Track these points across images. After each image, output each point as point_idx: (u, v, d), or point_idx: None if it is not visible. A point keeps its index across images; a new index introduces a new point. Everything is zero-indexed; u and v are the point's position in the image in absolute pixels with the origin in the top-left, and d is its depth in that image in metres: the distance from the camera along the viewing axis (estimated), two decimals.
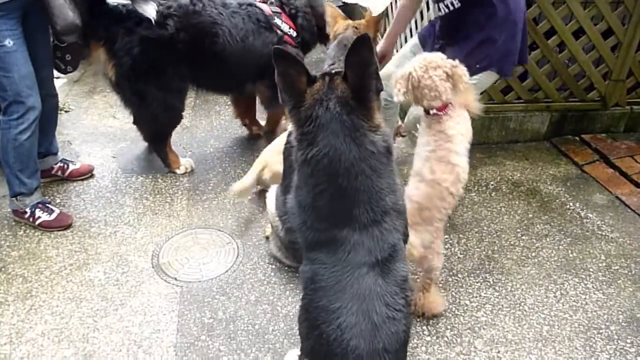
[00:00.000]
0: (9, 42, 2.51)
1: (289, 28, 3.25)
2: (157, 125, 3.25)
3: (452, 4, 2.45)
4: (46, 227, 2.85)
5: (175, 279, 2.58)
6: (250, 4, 3.18)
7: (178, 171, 3.34)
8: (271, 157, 2.82)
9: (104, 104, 4.07)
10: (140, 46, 2.90)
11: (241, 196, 2.90)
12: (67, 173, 3.23)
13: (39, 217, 2.85)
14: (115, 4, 2.94)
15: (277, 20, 3.20)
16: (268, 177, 2.85)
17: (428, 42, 2.68)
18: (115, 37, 2.89)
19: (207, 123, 3.96)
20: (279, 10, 3.24)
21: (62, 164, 3.22)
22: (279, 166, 2.56)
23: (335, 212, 1.50)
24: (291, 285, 2.54)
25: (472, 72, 2.42)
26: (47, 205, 2.91)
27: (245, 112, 3.73)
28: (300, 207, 1.57)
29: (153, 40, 2.91)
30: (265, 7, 3.20)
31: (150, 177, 3.30)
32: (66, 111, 3.94)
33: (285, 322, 2.35)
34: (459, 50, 2.41)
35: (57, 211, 2.90)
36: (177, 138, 3.68)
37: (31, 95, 2.65)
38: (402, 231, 1.56)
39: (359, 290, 1.44)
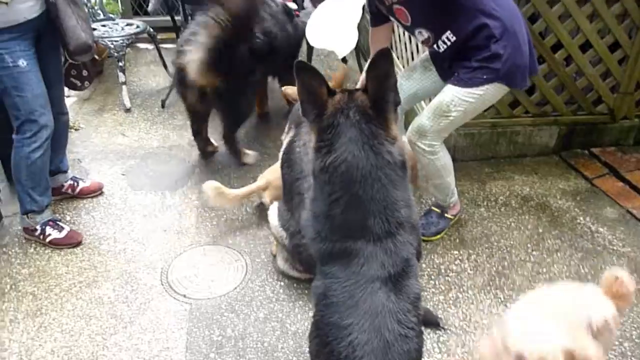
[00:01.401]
0: (22, 63, 2.55)
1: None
2: (244, 116, 3.63)
3: (447, 39, 2.46)
4: (56, 244, 2.87)
5: (184, 296, 2.58)
6: None
7: (249, 160, 3.62)
8: (274, 178, 2.84)
9: (114, 122, 4.11)
10: (249, 56, 3.31)
11: (218, 200, 2.91)
12: (77, 191, 3.25)
13: (49, 235, 2.87)
14: None
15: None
16: (269, 198, 2.88)
17: (438, 58, 2.68)
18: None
19: (213, 141, 3.97)
20: None
21: (72, 182, 3.25)
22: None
23: (350, 221, 1.51)
24: (300, 302, 2.53)
25: (479, 82, 2.44)
26: (58, 222, 2.93)
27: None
28: (315, 218, 1.59)
29: (254, 49, 3.35)
30: None
31: (160, 194, 3.32)
32: (76, 129, 3.98)
33: (294, 340, 2.33)
34: (466, 68, 2.44)
35: (67, 229, 2.92)
36: (186, 155, 3.71)
37: (44, 114, 2.70)
38: (415, 246, 1.56)
39: (372, 307, 1.43)
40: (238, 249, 2.87)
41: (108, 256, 2.83)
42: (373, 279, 1.45)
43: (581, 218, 3.13)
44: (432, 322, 2.39)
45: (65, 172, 3.23)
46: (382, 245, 1.47)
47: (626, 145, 3.83)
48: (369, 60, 1.54)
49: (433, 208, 3.00)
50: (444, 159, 2.72)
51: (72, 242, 2.90)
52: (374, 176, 1.48)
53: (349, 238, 1.50)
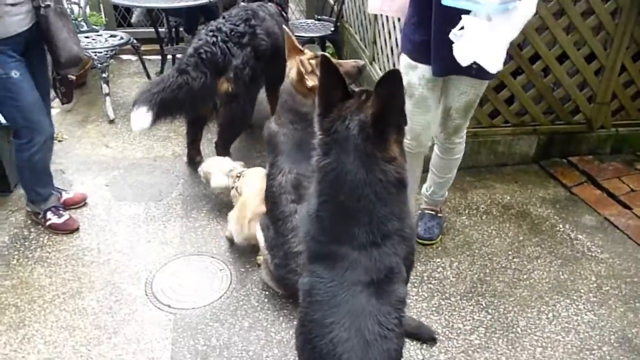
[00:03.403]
0: (15, 74, 2.66)
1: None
2: (243, 126, 3.61)
3: None
4: (55, 229, 3.05)
5: (169, 306, 2.58)
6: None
7: None
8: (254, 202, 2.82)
9: (97, 133, 4.10)
10: (254, 58, 3.34)
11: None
12: (60, 201, 3.24)
13: (50, 219, 3.06)
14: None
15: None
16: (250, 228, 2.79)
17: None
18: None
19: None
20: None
21: (55, 193, 3.24)
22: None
23: (336, 227, 1.53)
24: (285, 311, 2.54)
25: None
26: (59, 209, 3.10)
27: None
28: (307, 216, 1.61)
29: (258, 51, 3.37)
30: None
31: (144, 204, 3.31)
32: (59, 140, 3.96)
33: (279, 348, 2.35)
34: None
35: (66, 216, 3.09)
36: (170, 166, 3.71)
37: (40, 120, 2.83)
38: (402, 256, 1.57)
39: (353, 307, 1.48)
40: (223, 259, 2.88)
41: (92, 267, 2.82)
42: (355, 282, 1.49)
43: (560, 225, 3.19)
44: (427, 337, 2.40)
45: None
46: (366, 253, 1.50)
47: (603, 154, 3.91)
48: (379, 77, 1.50)
49: (427, 211, 3.08)
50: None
51: (68, 228, 3.06)
52: (361, 192, 1.48)
53: (334, 242, 1.53)
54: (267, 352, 2.33)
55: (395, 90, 1.45)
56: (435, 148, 2.91)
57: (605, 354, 2.36)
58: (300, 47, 2.62)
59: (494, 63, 2.13)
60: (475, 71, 2.30)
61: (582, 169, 3.75)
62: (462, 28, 2.08)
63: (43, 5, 2.64)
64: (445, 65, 2.37)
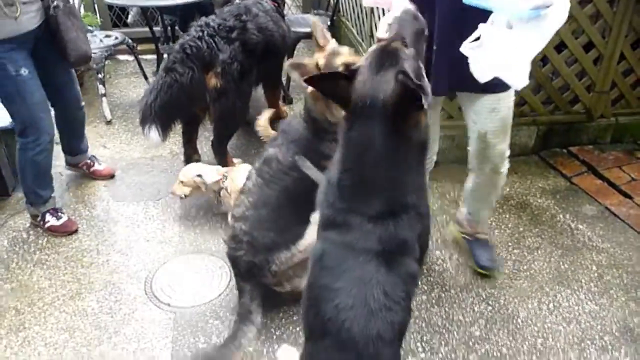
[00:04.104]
0: (24, 71, 2.70)
1: None
2: (237, 123, 3.54)
3: None
4: (53, 231, 3.05)
5: (169, 305, 2.58)
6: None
7: None
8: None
9: (95, 135, 4.09)
10: (243, 53, 3.26)
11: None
12: (91, 169, 3.53)
13: (48, 222, 3.06)
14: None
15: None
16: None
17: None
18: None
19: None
20: None
21: (89, 161, 3.53)
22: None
23: (356, 196, 1.52)
24: (284, 307, 2.53)
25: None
26: (58, 212, 3.10)
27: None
28: (328, 184, 1.60)
29: (248, 46, 3.31)
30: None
31: (142, 204, 3.31)
32: (57, 143, 3.94)
33: (279, 344, 2.34)
34: None
35: (65, 218, 3.09)
36: (168, 165, 3.71)
37: (44, 119, 2.85)
38: (417, 233, 1.56)
39: (361, 275, 1.47)
40: (221, 256, 2.85)
41: (91, 268, 2.81)
42: (367, 250, 1.48)
43: (561, 216, 3.17)
44: None
45: (85, 152, 3.54)
46: (382, 224, 1.49)
47: (603, 144, 3.89)
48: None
49: (478, 236, 2.75)
50: None
51: (67, 230, 3.06)
52: (383, 160, 1.46)
53: (351, 211, 1.52)
54: (267, 348, 2.33)
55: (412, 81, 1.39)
56: (474, 177, 2.55)
57: (607, 344, 2.35)
58: (322, 42, 2.37)
59: (518, 78, 1.85)
60: (486, 85, 1.95)
61: (582, 158, 3.73)
62: (477, 39, 1.82)
63: (52, 4, 2.70)
64: (444, 80, 2.11)
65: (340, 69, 2.17)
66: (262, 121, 2.96)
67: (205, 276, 2.75)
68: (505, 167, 2.42)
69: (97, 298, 2.62)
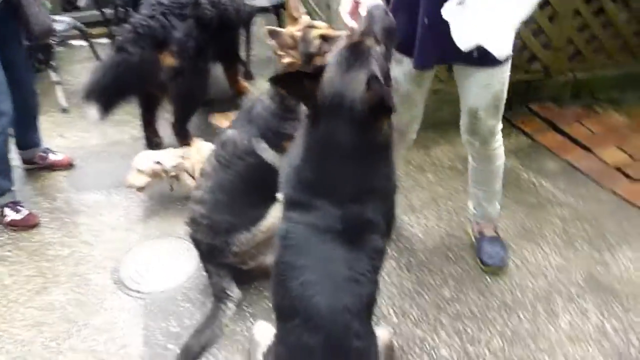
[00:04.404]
0: None
1: None
2: (197, 102, 3.48)
3: None
4: (14, 225, 2.96)
5: (138, 291, 2.55)
6: None
7: None
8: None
9: (51, 124, 3.96)
10: (197, 29, 3.21)
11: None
12: (47, 161, 3.40)
13: (7, 216, 2.96)
14: None
15: None
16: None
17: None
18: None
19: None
20: None
21: (43, 153, 3.40)
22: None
23: (317, 182, 1.53)
24: (255, 284, 2.52)
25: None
26: (17, 205, 3.00)
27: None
28: (289, 167, 1.61)
29: (202, 21, 3.24)
30: None
31: (105, 192, 3.24)
32: (11, 135, 3.82)
33: (252, 321, 2.33)
34: None
35: (25, 211, 2.99)
36: (128, 150, 3.62)
37: (4, 101, 2.79)
38: (382, 212, 1.58)
39: (325, 252, 1.49)
40: (188, 239, 2.82)
41: (56, 261, 2.75)
42: (330, 229, 1.49)
43: (524, 174, 3.22)
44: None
45: (39, 145, 3.41)
46: (344, 206, 1.50)
47: (563, 100, 3.93)
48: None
49: (485, 232, 2.62)
50: None
51: (28, 224, 2.97)
52: (346, 156, 1.49)
53: (314, 194, 1.53)
54: (240, 327, 2.32)
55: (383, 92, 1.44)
56: (470, 159, 2.52)
57: (573, 294, 2.41)
58: (295, 14, 2.30)
59: (501, 46, 1.81)
60: (477, 57, 1.94)
61: (543, 116, 3.78)
62: (460, 3, 1.78)
63: None
64: (430, 53, 2.04)
65: (317, 42, 2.18)
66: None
67: (174, 260, 2.72)
68: (496, 142, 2.39)
69: (63, 291, 2.57)
